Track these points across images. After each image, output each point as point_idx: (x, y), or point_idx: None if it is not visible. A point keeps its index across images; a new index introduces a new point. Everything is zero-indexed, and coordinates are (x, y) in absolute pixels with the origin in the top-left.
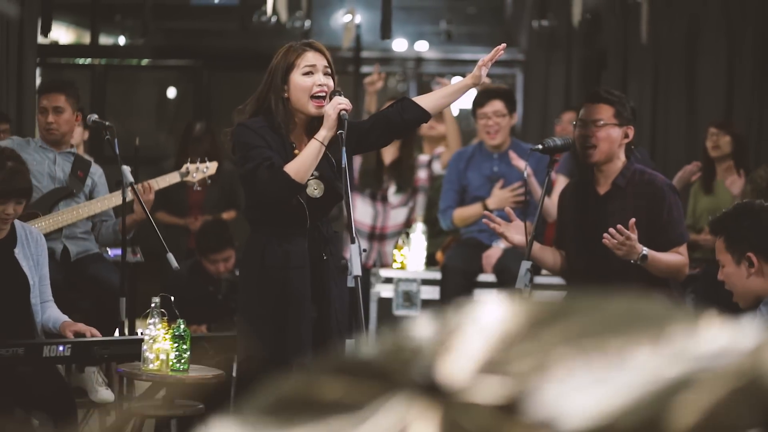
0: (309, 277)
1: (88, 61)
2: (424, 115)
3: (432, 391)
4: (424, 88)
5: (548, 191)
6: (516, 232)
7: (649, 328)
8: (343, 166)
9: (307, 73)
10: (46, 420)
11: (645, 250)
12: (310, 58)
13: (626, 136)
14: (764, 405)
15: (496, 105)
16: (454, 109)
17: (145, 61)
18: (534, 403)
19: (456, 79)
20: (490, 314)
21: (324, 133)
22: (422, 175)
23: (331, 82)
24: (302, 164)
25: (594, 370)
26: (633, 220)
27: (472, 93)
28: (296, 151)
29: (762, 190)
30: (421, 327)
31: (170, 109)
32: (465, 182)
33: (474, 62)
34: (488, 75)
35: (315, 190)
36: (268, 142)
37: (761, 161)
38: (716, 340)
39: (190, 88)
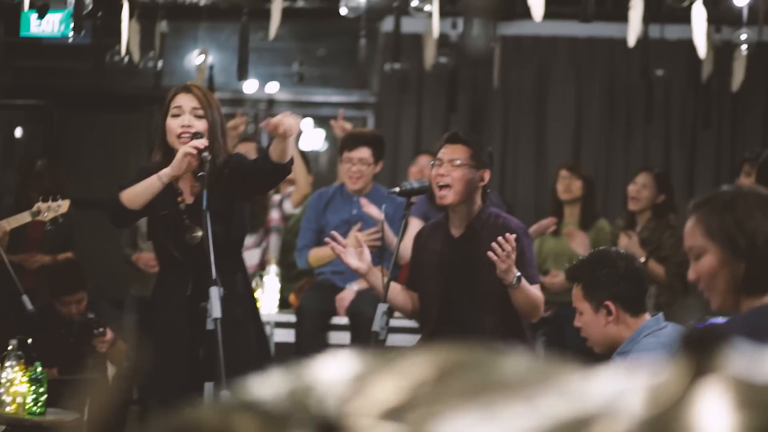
0: (187, 321)
1: None
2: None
3: None
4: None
5: (404, 234)
6: (354, 257)
7: (539, 378)
8: (204, 208)
9: (175, 115)
10: None
11: (519, 273)
12: (179, 99)
13: (482, 179)
14: None
15: (363, 152)
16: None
17: None
18: None
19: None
20: (392, 361)
21: (167, 172)
22: (275, 215)
23: (200, 124)
24: (134, 192)
25: (488, 418)
26: (514, 236)
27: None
28: (181, 198)
29: (616, 242)
30: (324, 369)
31: (18, 149)
32: (323, 223)
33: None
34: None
35: (194, 235)
36: None
37: (608, 205)
38: (601, 387)
39: (40, 128)
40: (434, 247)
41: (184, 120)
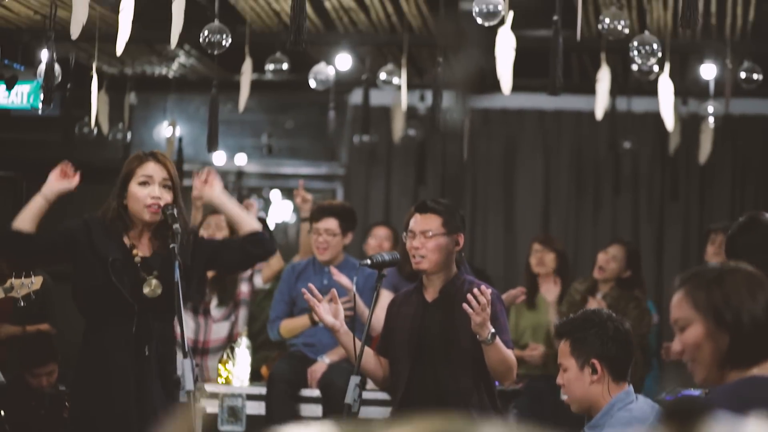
0: (132, 359)
1: None
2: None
3: None
4: (243, 202)
5: (375, 305)
6: (329, 314)
7: None
8: (176, 280)
9: (143, 183)
10: None
11: (494, 329)
12: (149, 168)
13: (457, 243)
14: None
15: (329, 223)
16: (270, 224)
17: None
18: None
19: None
20: None
21: (45, 191)
22: (244, 288)
23: (167, 195)
24: (22, 215)
25: None
26: (490, 291)
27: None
28: (135, 251)
29: (576, 303)
30: None
31: None
32: (295, 294)
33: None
34: (310, 189)
35: (151, 289)
36: (91, 239)
37: (578, 274)
38: None
39: (9, 199)
40: (407, 311)
41: (154, 191)
